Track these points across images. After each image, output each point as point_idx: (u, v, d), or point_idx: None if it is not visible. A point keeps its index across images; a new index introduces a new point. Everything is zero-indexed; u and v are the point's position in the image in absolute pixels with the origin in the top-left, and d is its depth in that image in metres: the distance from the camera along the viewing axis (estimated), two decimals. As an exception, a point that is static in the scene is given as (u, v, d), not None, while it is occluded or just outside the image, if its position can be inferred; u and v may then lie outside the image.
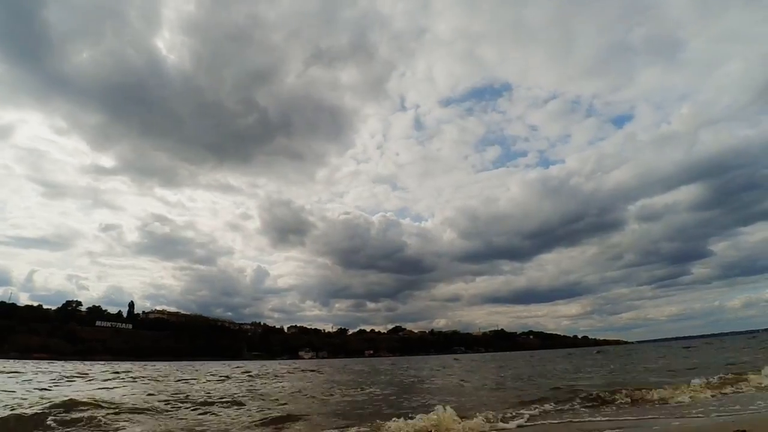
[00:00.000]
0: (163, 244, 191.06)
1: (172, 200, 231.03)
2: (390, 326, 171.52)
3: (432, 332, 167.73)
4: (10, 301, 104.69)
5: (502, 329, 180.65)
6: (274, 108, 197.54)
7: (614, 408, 8.72)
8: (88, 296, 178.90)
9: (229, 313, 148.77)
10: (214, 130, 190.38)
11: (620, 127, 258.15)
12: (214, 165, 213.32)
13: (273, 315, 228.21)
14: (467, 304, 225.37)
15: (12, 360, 56.82)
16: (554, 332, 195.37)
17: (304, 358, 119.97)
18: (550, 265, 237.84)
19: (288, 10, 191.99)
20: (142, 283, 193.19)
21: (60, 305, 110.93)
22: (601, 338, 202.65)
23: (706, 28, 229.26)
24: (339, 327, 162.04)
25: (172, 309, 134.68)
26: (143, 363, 62.37)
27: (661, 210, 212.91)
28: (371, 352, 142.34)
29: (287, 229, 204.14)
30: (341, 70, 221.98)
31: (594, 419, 7.60)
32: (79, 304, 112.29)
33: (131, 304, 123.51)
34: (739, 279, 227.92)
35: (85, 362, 60.70)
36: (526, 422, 7.57)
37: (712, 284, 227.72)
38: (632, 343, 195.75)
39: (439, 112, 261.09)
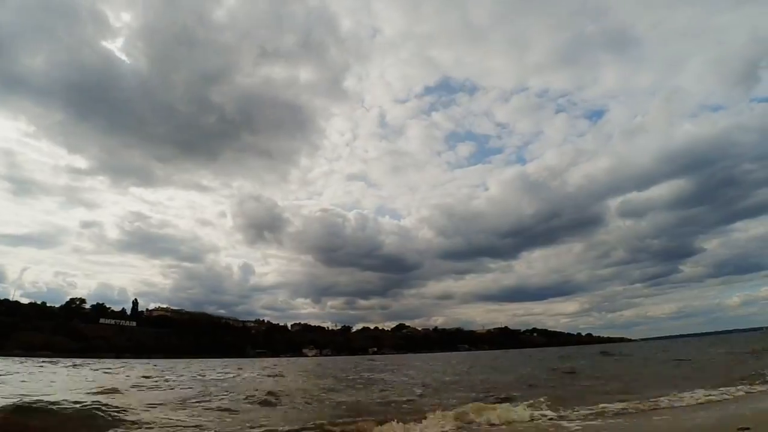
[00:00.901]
0: (147, 242, 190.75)
1: (150, 199, 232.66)
2: (390, 324, 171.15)
3: (436, 330, 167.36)
4: (14, 299, 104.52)
5: (506, 327, 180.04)
6: (238, 107, 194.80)
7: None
8: (78, 294, 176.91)
9: (222, 311, 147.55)
10: (182, 130, 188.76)
11: (593, 122, 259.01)
12: (187, 164, 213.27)
13: (266, 312, 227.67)
14: (461, 302, 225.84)
15: (17, 357, 56.30)
16: (554, 329, 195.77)
17: (308, 356, 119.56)
18: (538, 263, 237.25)
19: (240, 11, 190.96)
20: (132, 280, 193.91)
21: (63, 303, 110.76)
22: (605, 336, 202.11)
23: (667, 20, 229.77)
24: (343, 325, 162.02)
25: (166, 306, 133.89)
26: (151, 361, 61.77)
27: (645, 206, 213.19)
28: (375, 349, 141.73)
29: (266, 227, 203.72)
30: (299, 70, 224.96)
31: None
32: (83, 301, 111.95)
33: (135, 302, 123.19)
34: (733, 277, 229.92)
35: (91, 360, 60.12)
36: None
37: (706, 282, 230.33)
38: (636, 340, 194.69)
39: (404, 111, 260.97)
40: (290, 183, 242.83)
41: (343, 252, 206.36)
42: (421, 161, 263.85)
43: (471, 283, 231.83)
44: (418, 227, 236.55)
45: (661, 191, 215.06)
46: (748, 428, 5.52)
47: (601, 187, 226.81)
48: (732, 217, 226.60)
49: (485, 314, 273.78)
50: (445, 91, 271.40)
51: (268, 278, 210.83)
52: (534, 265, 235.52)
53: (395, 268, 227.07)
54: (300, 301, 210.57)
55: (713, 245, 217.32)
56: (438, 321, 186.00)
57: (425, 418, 8.01)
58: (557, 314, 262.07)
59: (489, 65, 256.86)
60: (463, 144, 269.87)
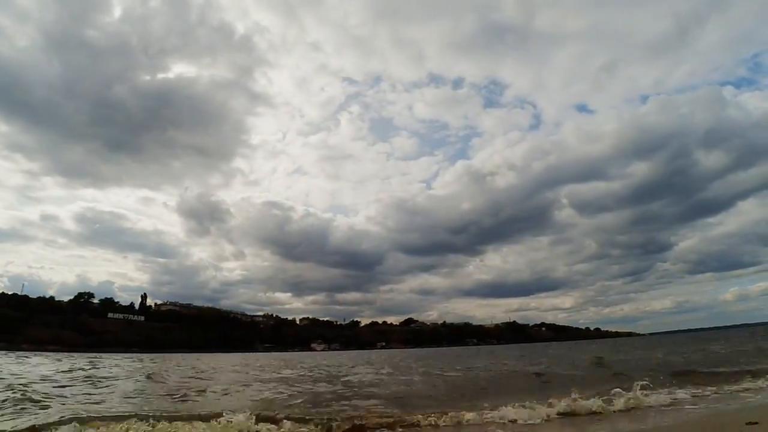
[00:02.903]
0: (110, 238, 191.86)
1: (103, 197, 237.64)
2: (393, 319, 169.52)
3: (444, 324, 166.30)
4: (23, 293, 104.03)
5: (513, 321, 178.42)
6: (154, 106, 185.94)
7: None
8: (55, 287, 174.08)
9: (210, 304, 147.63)
10: (111, 129, 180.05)
11: (528, 116, 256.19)
12: (129, 163, 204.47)
13: (249, 307, 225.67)
14: (445, 297, 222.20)
15: (26, 352, 55.57)
16: (561, 324, 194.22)
17: (316, 350, 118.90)
18: (512, 258, 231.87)
19: (136, 13, 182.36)
20: (110, 273, 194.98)
21: (71, 297, 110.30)
22: (613, 330, 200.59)
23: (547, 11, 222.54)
24: (351, 319, 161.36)
25: (175, 300, 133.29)
26: (161, 355, 60.87)
27: (602, 199, 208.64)
28: (383, 344, 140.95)
29: (218, 224, 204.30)
30: (206, 69, 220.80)
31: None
32: (91, 296, 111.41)
33: (143, 296, 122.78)
34: (723, 273, 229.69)
35: (99, 354, 59.32)
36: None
37: (696, 278, 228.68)
38: (645, 335, 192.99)
39: (328, 108, 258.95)
40: (235, 182, 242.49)
41: (301, 249, 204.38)
42: (363, 159, 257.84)
43: (449, 278, 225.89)
44: (370, 222, 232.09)
45: (617, 183, 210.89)
46: (756, 422, 5.52)
47: (551, 179, 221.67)
48: (695, 212, 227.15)
49: (478, 309, 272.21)
50: (359, 87, 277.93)
51: (238, 274, 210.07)
52: (508, 259, 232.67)
53: (357, 264, 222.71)
54: (281, 295, 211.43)
55: (693, 241, 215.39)
56: (431, 316, 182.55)
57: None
58: (552, 309, 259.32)
59: (390, 64, 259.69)
60: (400, 138, 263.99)
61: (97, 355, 54.82)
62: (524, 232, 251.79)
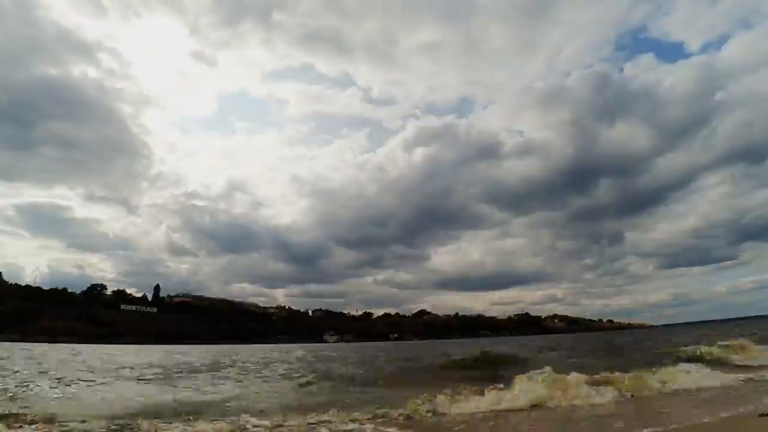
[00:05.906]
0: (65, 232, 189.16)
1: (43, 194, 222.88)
2: (386, 312, 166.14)
3: (456, 316, 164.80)
4: (36, 285, 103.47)
5: (527, 313, 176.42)
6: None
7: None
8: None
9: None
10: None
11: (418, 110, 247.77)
12: (59, 165, 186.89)
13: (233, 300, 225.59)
14: (424, 290, 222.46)
15: (39, 344, 54.34)
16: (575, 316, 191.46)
17: (329, 342, 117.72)
18: (476, 249, 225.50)
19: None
20: (75, 265, 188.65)
21: (84, 289, 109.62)
22: (626, 322, 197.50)
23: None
24: (364, 311, 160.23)
25: (186, 292, 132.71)
26: (175, 347, 59.37)
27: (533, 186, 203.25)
28: (396, 335, 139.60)
29: (152, 219, 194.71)
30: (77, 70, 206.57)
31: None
32: (104, 287, 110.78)
33: (156, 287, 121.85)
34: (709, 266, 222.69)
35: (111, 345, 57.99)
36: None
37: (678, 270, 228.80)
38: (659, 326, 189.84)
39: (213, 106, 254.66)
40: (156, 180, 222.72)
41: (241, 242, 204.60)
42: (264, 148, 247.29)
43: (417, 273, 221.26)
44: (295, 215, 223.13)
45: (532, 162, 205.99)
46: None
47: (453, 163, 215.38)
48: (638, 202, 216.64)
49: (468, 302, 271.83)
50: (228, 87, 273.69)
51: (194, 267, 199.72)
52: (469, 251, 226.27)
53: (299, 258, 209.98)
54: (248, 287, 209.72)
55: (661, 234, 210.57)
56: (425, 309, 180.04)
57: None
58: (543, 302, 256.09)
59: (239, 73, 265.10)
60: (294, 126, 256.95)
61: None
62: (459, 223, 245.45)
